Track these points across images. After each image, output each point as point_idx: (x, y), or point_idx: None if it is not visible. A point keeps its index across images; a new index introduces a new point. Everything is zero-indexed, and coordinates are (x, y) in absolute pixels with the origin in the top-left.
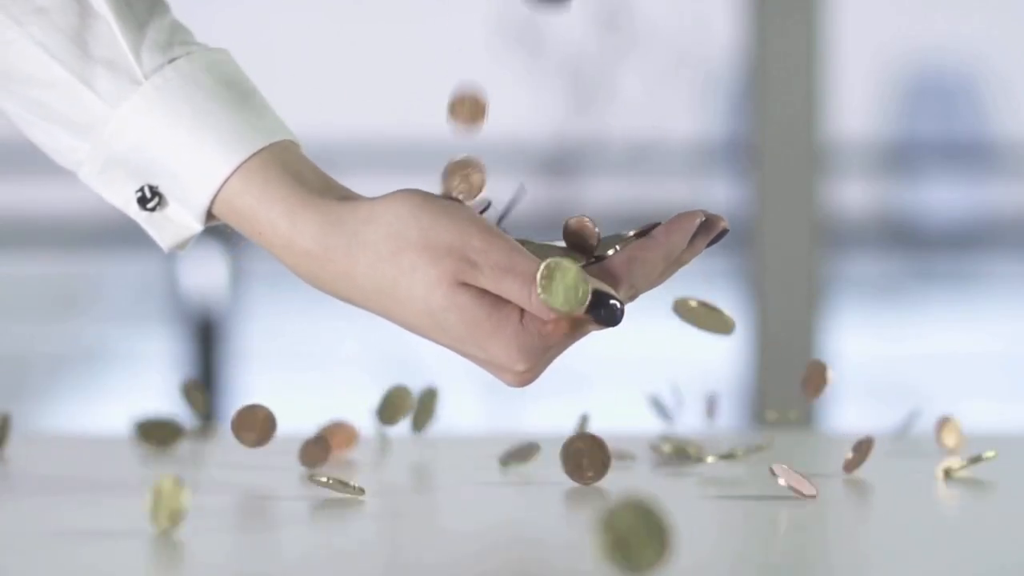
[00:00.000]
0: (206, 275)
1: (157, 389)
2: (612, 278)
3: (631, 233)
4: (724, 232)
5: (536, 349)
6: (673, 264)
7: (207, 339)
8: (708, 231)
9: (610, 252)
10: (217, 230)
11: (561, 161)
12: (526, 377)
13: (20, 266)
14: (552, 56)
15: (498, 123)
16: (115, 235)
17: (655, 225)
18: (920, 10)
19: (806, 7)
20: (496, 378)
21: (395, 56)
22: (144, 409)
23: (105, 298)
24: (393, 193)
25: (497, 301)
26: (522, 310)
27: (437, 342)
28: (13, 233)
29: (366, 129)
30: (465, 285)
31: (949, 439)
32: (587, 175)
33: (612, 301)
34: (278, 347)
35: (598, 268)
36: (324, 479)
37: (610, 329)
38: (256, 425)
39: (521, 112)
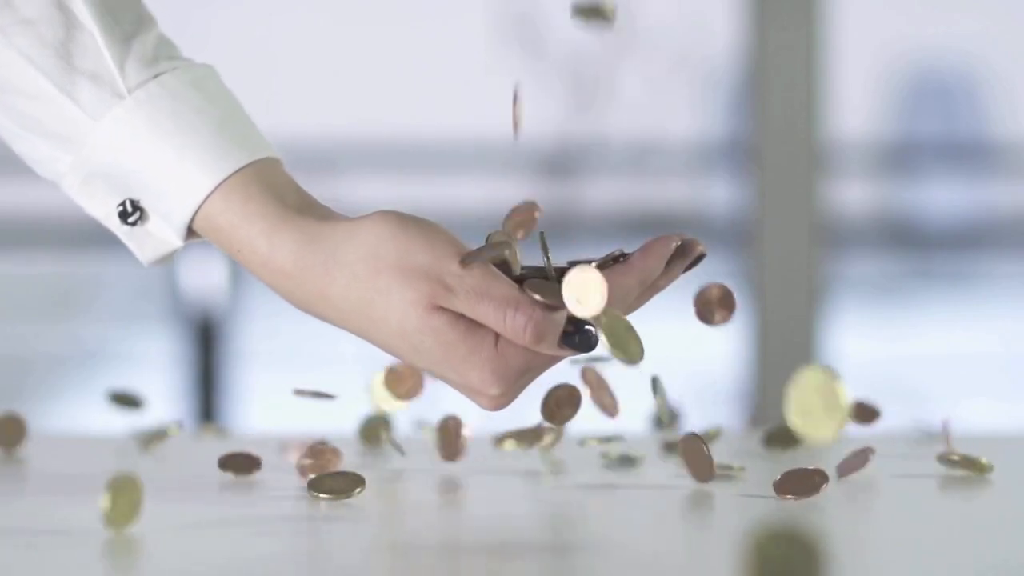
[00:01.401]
0: (206, 276)
1: (157, 389)
2: None
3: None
4: (701, 257)
5: (510, 374)
6: (649, 289)
7: (207, 339)
8: (685, 256)
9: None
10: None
11: (561, 161)
12: (500, 401)
13: (20, 266)
14: (552, 56)
15: (498, 124)
16: (115, 235)
17: (621, 255)
18: (920, 10)
19: (806, 7)
20: (471, 401)
21: (395, 56)
22: (143, 409)
23: (105, 298)
24: (372, 214)
25: (472, 325)
26: (497, 335)
27: (412, 364)
28: (13, 233)
29: (366, 129)
30: (441, 309)
31: (951, 443)
32: (587, 175)
33: (587, 327)
34: (278, 347)
35: None
36: (323, 496)
37: (583, 355)
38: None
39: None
